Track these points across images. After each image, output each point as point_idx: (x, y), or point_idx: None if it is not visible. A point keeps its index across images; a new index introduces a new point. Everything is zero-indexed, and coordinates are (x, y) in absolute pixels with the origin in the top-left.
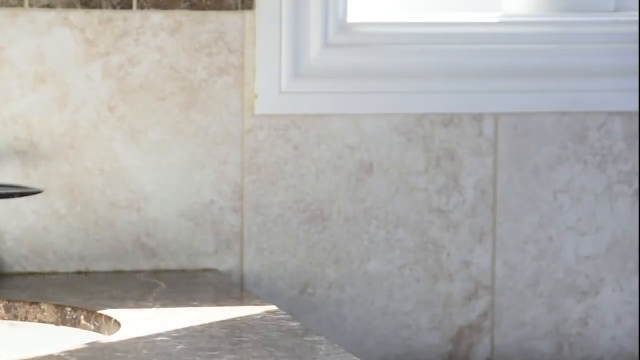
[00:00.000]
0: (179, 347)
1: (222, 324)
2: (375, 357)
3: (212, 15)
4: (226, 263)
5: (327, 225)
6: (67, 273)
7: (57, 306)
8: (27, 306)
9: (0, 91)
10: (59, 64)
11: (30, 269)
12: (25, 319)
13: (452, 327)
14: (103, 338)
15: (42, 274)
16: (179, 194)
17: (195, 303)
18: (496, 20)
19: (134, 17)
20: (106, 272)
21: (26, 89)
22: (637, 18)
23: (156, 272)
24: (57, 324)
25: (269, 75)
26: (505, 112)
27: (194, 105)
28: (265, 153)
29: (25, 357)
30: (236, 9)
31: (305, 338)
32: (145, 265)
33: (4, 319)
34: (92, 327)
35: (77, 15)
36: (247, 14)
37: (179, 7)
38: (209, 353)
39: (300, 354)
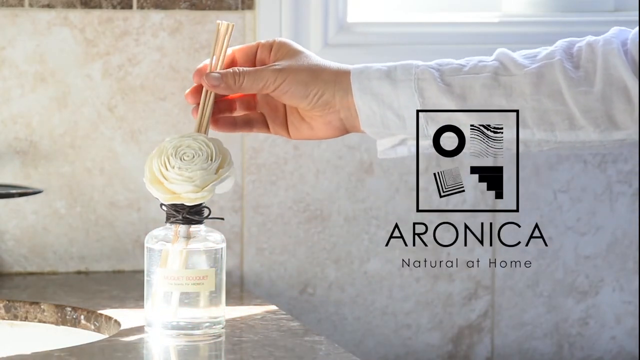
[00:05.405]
0: (179, 347)
1: None
2: (375, 357)
3: (212, 15)
4: (226, 263)
5: (327, 225)
6: (67, 273)
7: (57, 306)
8: (27, 306)
9: (0, 91)
10: (59, 64)
11: (30, 269)
12: (25, 319)
13: (452, 327)
14: (103, 338)
15: (42, 274)
16: None
17: None
18: (496, 20)
19: (134, 17)
20: (106, 272)
21: (26, 89)
22: (637, 18)
23: None
24: (57, 324)
25: None
26: None
27: None
28: (265, 153)
29: (25, 357)
30: (236, 9)
31: (305, 338)
32: None
33: (4, 319)
34: (92, 327)
35: (77, 15)
36: (247, 14)
37: (179, 7)
38: (208, 353)
39: (300, 354)
